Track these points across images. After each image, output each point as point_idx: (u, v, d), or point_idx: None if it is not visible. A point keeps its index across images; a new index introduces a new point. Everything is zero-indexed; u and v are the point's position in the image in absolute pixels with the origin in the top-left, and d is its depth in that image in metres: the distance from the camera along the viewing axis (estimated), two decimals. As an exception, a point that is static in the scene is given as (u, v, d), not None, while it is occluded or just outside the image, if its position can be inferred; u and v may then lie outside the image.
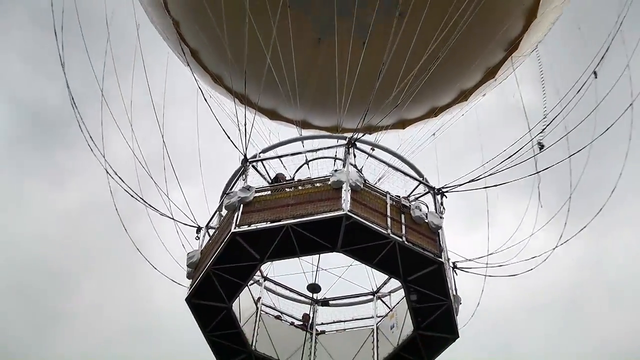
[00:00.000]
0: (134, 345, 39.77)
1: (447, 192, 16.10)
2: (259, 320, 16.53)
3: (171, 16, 19.94)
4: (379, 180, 15.86)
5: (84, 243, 43.03)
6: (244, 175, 15.55)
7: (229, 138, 16.14)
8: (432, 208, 15.49)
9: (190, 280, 14.94)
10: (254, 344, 15.90)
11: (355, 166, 15.01)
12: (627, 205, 38.05)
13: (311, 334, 17.19)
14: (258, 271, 16.12)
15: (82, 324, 41.85)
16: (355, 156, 15.14)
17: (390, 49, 15.45)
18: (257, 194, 14.27)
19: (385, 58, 15.48)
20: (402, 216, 14.12)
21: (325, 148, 16.49)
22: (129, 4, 20.32)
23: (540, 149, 16.19)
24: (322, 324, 17.70)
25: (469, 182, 16.13)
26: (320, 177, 14.60)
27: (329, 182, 13.82)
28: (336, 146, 16.22)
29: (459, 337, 15.16)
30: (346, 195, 13.34)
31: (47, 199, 45.15)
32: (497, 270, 16.41)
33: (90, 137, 16.96)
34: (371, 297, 17.97)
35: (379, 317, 17.33)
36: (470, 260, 16.38)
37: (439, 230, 14.58)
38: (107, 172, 16.87)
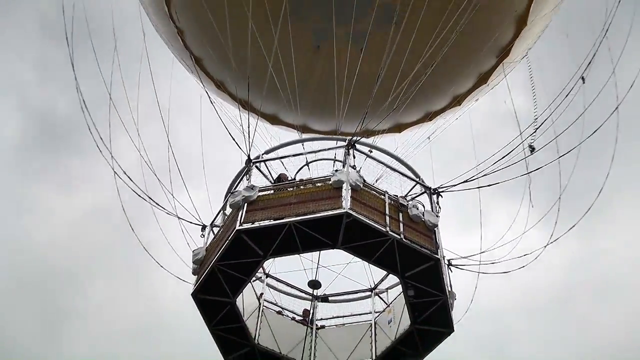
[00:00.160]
0: (139, 344, 39.87)
1: (442, 192, 16.31)
2: (262, 315, 16.65)
3: (176, 25, 20.16)
4: (376, 180, 16.04)
5: (92, 245, 43.34)
6: (247, 175, 15.75)
7: (234, 139, 16.35)
8: (428, 207, 15.68)
9: (196, 276, 15.04)
10: (256, 337, 16.04)
11: (354, 167, 15.14)
12: (617, 207, 38.41)
13: (311, 328, 17.32)
14: (260, 268, 16.26)
15: (91, 323, 42.02)
16: (354, 157, 15.30)
17: (387, 57, 15.65)
18: (260, 193, 14.43)
19: (382, 65, 15.69)
20: (400, 214, 14.33)
21: (325, 150, 16.68)
22: (136, 14, 20.58)
23: (531, 151, 16.39)
24: (322, 319, 17.83)
25: (463, 182, 16.32)
26: (321, 177, 14.74)
27: (330, 182, 14.01)
28: (336, 147, 16.40)
29: (454, 331, 15.32)
30: (346, 194, 13.53)
31: (56, 203, 45.47)
32: (490, 267, 16.58)
33: (101, 137, 17.13)
34: (369, 293, 18.16)
35: (376, 312, 17.49)
36: (464, 257, 16.53)
37: (435, 228, 14.78)
38: (114, 171, 16.99)
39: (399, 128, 22.13)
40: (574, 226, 16.66)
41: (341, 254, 15.44)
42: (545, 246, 16.67)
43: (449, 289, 15.23)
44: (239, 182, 16.25)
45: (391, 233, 13.60)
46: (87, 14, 18.70)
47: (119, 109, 18.23)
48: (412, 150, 19.09)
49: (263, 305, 17.04)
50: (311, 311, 17.78)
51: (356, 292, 18.34)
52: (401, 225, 14.02)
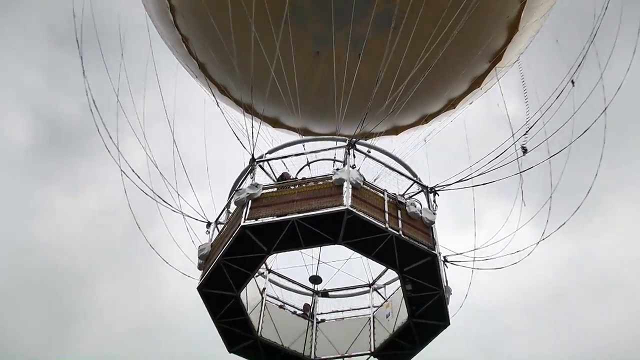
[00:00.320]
0: (144, 344, 39.86)
1: (438, 190, 16.43)
2: (264, 309, 16.70)
3: (180, 32, 20.33)
4: (374, 180, 16.16)
5: (99, 246, 43.37)
6: (251, 174, 15.85)
7: (238, 139, 16.46)
8: (425, 205, 15.81)
9: (202, 271, 15.10)
10: (259, 330, 16.08)
11: (354, 166, 15.24)
12: (609, 206, 38.71)
13: (312, 322, 17.40)
14: (263, 264, 16.36)
15: (96, 324, 42.01)
16: (354, 157, 15.42)
17: (385, 61, 15.81)
18: (264, 191, 14.50)
19: (380, 69, 15.86)
20: (399, 212, 14.40)
21: (326, 149, 16.81)
22: (143, 22, 20.77)
23: (524, 152, 16.57)
24: (322, 313, 17.89)
25: (458, 181, 16.47)
26: (323, 176, 14.83)
27: (331, 180, 14.08)
28: (336, 148, 16.52)
29: (449, 324, 15.40)
30: (347, 192, 13.60)
31: (65, 204, 45.52)
32: (483, 264, 16.72)
33: (110, 136, 17.16)
34: (367, 289, 18.22)
35: (374, 307, 17.56)
36: (459, 254, 16.65)
37: (432, 225, 14.89)
38: (121, 169, 17.02)
39: (396, 130, 22.30)
40: (564, 224, 16.83)
41: (341, 251, 15.65)
42: (537, 243, 16.81)
43: (445, 284, 15.36)
44: (243, 181, 16.33)
45: (390, 229, 13.68)
46: (96, 22, 18.86)
47: (125, 112, 18.40)
48: (409, 151, 19.31)
49: (265, 300, 17.08)
50: (312, 305, 17.87)
51: (355, 288, 18.39)
52: (400, 222, 14.11)
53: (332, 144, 17.17)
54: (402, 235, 13.80)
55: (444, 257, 16.28)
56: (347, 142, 15.65)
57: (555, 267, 39.81)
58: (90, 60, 18.55)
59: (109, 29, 19.88)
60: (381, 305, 17.31)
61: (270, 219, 13.69)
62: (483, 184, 16.46)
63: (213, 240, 15.71)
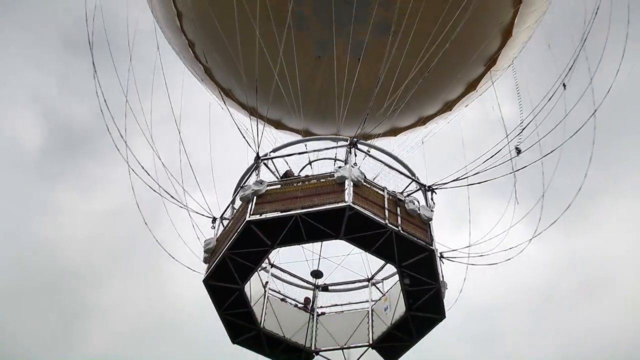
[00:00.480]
0: (149, 343, 39.88)
1: (435, 189, 16.56)
2: (267, 302, 16.77)
3: (187, 38, 20.50)
4: (374, 178, 16.29)
5: (107, 246, 43.39)
6: (256, 171, 15.99)
7: (244, 137, 16.56)
8: (423, 203, 15.97)
9: (207, 264, 15.17)
10: (262, 322, 16.15)
11: (355, 165, 15.36)
12: (601, 205, 38.87)
13: (313, 315, 17.47)
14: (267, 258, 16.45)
15: (103, 323, 42.00)
16: (355, 156, 15.53)
17: (385, 65, 15.96)
18: (269, 187, 14.57)
19: (380, 73, 16.02)
20: (398, 209, 14.51)
21: (328, 148, 16.92)
22: (151, 27, 20.93)
23: (518, 153, 16.75)
24: (322, 306, 17.96)
25: (454, 180, 16.61)
26: (325, 173, 14.94)
27: (334, 178, 14.18)
28: (337, 147, 16.67)
29: (445, 317, 15.50)
30: (349, 189, 13.69)
31: (75, 204, 45.55)
32: (478, 260, 16.84)
33: (120, 134, 17.26)
34: (366, 283, 18.30)
35: (373, 300, 17.63)
36: (454, 250, 16.78)
37: (430, 222, 14.99)
38: (130, 167, 17.12)
39: (394, 132, 22.43)
40: (555, 221, 16.96)
41: (341, 247, 15.76)
42: (529, 240, 16.96)
43: (441, 279, 15.50)
44: (248, 178, 16.44)
45: (390, 225, 13.78)
46: (106, 28, 19.05)
47: (134, 113, 18.53)
48: (407, 151, 19.47)
49: (268, 293, 17.15)
50: (312, 299, 17.98)
51: (354, 282, 18.46)
52: (399, 218, 14.21)
53: (333, 143, 17.32)
54: (401, 231, 13.91)
55: (440, 253, 16.39)
56: (349, 141, 15.76)
57: (548, 265, 40.01)
58: (100, 64, 18.73)
59: (118, 35, 20.07)
60: (379, 299, 17.38)
61: (274, 214, 13.78)
62: (478, 183, 16.60)
63: (219, 234, 15.78)
